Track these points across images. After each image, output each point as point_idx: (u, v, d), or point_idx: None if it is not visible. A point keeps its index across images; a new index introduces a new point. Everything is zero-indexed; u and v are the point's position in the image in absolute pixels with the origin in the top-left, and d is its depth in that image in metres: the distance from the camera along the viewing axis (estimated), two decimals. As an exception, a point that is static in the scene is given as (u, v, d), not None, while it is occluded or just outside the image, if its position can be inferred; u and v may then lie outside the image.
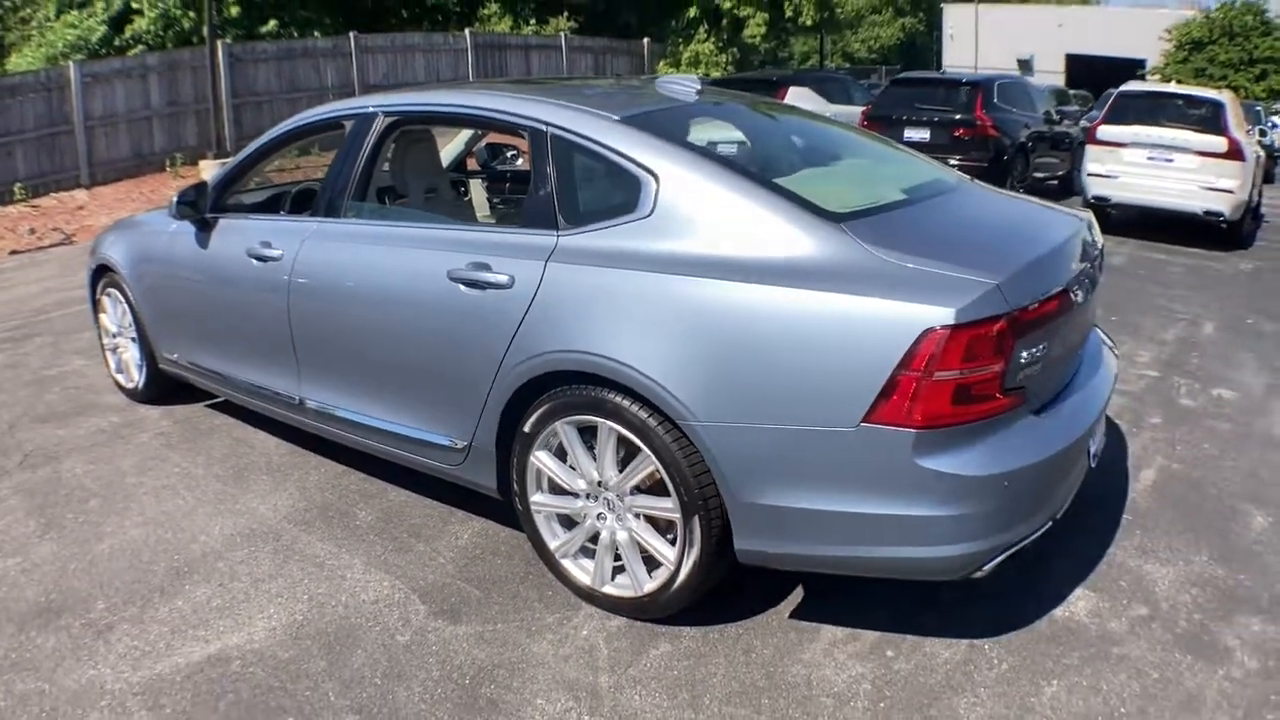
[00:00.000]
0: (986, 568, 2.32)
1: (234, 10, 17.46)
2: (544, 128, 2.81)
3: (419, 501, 3.39)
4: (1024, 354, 2.31)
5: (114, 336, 4.56)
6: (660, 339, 2.38)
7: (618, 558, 2.63)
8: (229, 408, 4.31)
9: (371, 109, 3.34)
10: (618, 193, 2.66)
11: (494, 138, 5.04)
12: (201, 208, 3.76)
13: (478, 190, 4.27)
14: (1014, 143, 10.35)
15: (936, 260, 2.30)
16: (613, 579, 2.65)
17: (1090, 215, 3.12)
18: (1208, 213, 8.48)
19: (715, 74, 21.78)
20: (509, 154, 5.58)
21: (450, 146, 4.69)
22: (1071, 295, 2.53)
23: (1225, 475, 3.62)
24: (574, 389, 2.55)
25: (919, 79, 12.55)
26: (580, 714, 2.24)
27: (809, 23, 23.32)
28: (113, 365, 4.65)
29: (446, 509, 3.32)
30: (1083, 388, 2.78)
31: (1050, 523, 2.46)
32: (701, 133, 3.11)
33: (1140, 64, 30.61)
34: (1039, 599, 2.77)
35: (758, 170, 2.78)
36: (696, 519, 2.40)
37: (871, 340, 2.19)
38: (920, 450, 2.19)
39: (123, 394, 4.60)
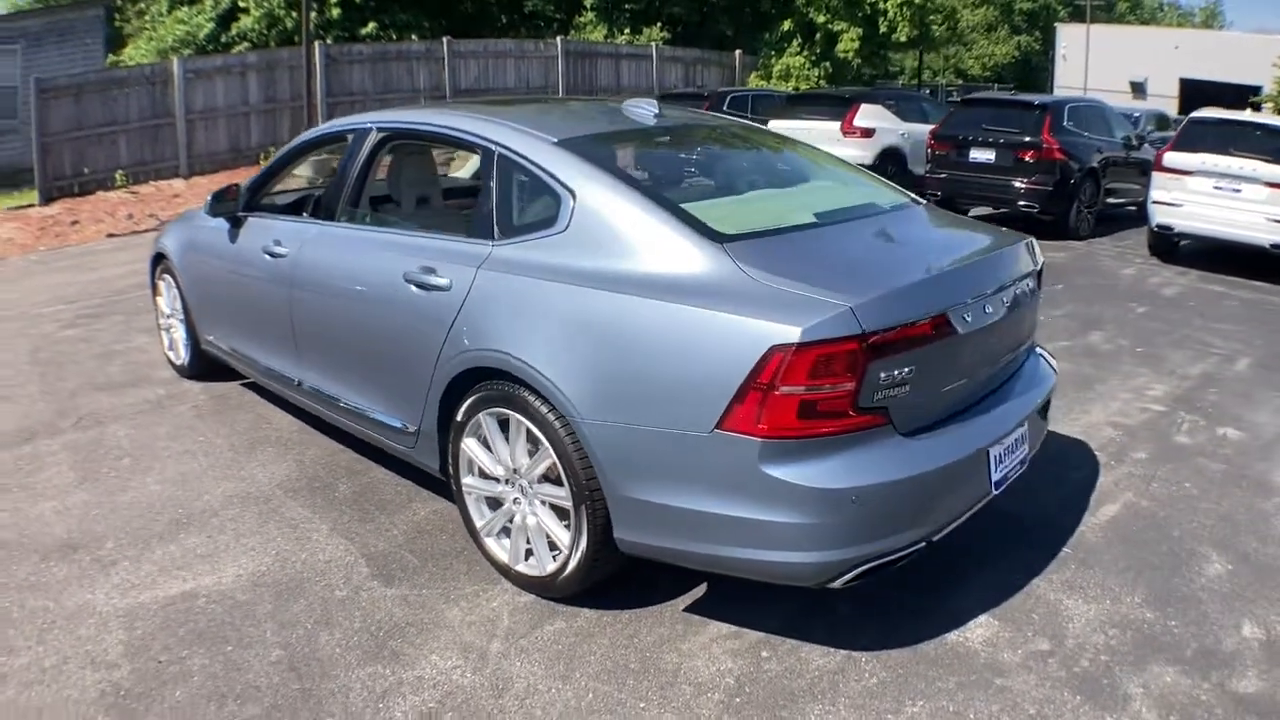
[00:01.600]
0: (843, 580, 2.50)
1: (335, 12, 18.54)
2: (492, 147, 3.20)
3: (394, 480, 3.88)
4: (882, 375, 2.46)
5: (167, 318, 5.22)
6: (556, 343, 2.73)
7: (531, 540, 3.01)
8: (257, 387, 4.90)
9: (367, 125, 3.82)
10: (544, 209, 3.01)
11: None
12: (232, 206, 4.33)
13: (447, 200, 4.70)
14: (1083, 167, 10.23)
15: (802, 282, 2.50)
16: (525, 559, 3.02)
17: (1029, 240, 3.32)
18: (1275, 246, 8.26)
19: (804, 87, 21.96)
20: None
21: (473, 161, 5.18)
22: (954, 320, 2.64)
23: (1197, 517, 3.60)
24: (494, 384, 2.92)
25: (988, 99, 12.58)
26: (464, 672, 2.64)
27: (903, 39, 23.31)
28: (165, 344, 5.32)
29: (414, 488, 3.80)
30: (989, 411, 2.89)
31: (923, 544, 2.61)
32: (645, 156, 3.49)
33: (1255, 90, 29.41)
34: (938, 620, 2.87)
35: (671, 193, 3.08)
36: (584, 508, 2.74)
37: (726, 353, 2.42)
38: (766, 459, 2.40)
39: (173, 369, 5.26)
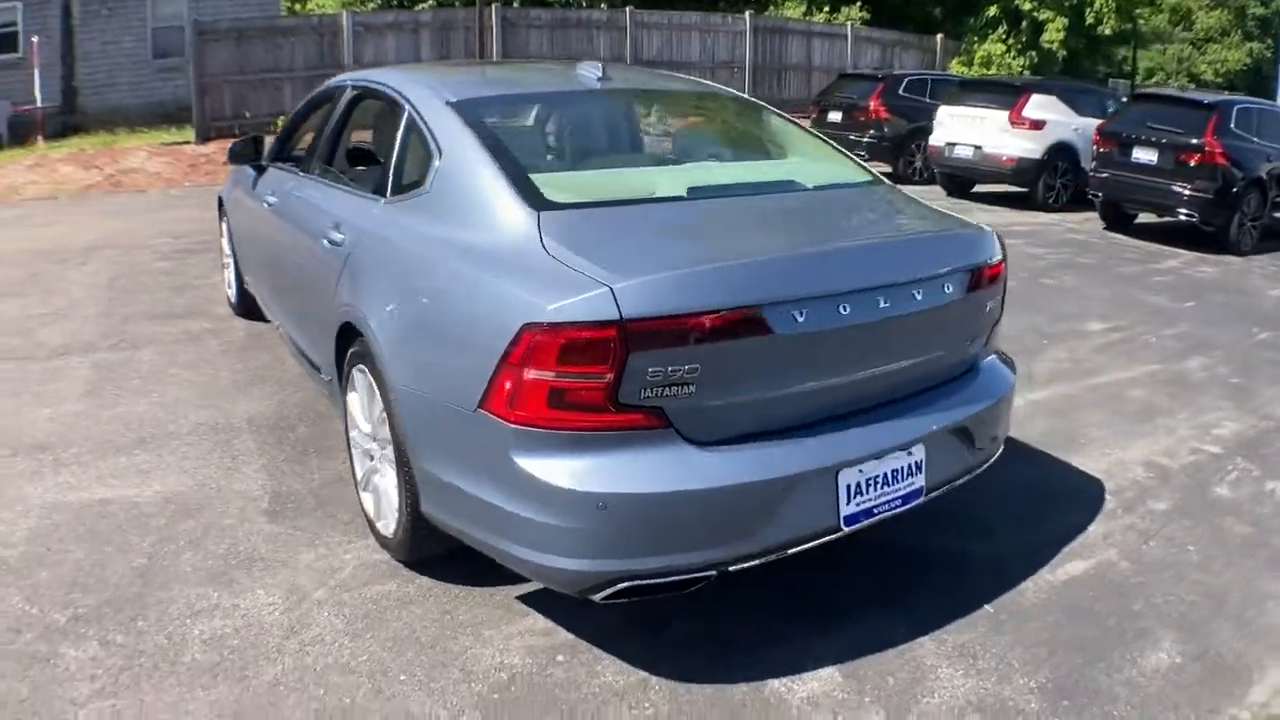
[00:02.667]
0: (602, 595, 2.35)
1: (523, -26, 19.24)
2: (403, 105, 3.28)
3: (343, 431, 4.24)
4: (651, 370, 2.22)
5: (226, 257, 5.84)
6: (388, 306, 2.81)
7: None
8: (283, 330, 5.41)
9: (345, 82, 4.08)
10: (421, 169, 3.04)
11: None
12: (248, 157, 4.69)
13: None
14: (1248, 176, 9.32)
15: (588, 257, 2.34)
16: (381, 518, 3.14)
17: (975, 233, 3.00)
18: None
19: (1000, 74, 20.92)
20: None
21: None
22: (772, 318, 2.35)
23: (1178, 590, 3.14)
24: (360, 341, 2.99)
25: (1158, 95, 11.64)
26: (274, 610, 2.87)
27: (1109, 31, 21.69)
28: (226, 281, 5.96)
29: (355, 441, 4.14)
30: (847, 429, 2.56)
31: (713, 572, 2.40)
32: (558, 121, 3.57)
33: None
34: (775, 661, 2.66)
35: (537, 159, 3.10)
36: (400, 476, 2.81)
37: (491, 327, 2.31)
38: (516, 447, 2.28)
39: (229, 306, 5.89)
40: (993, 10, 22.57)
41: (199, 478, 3.71)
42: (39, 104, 15.78)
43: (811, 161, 3.57)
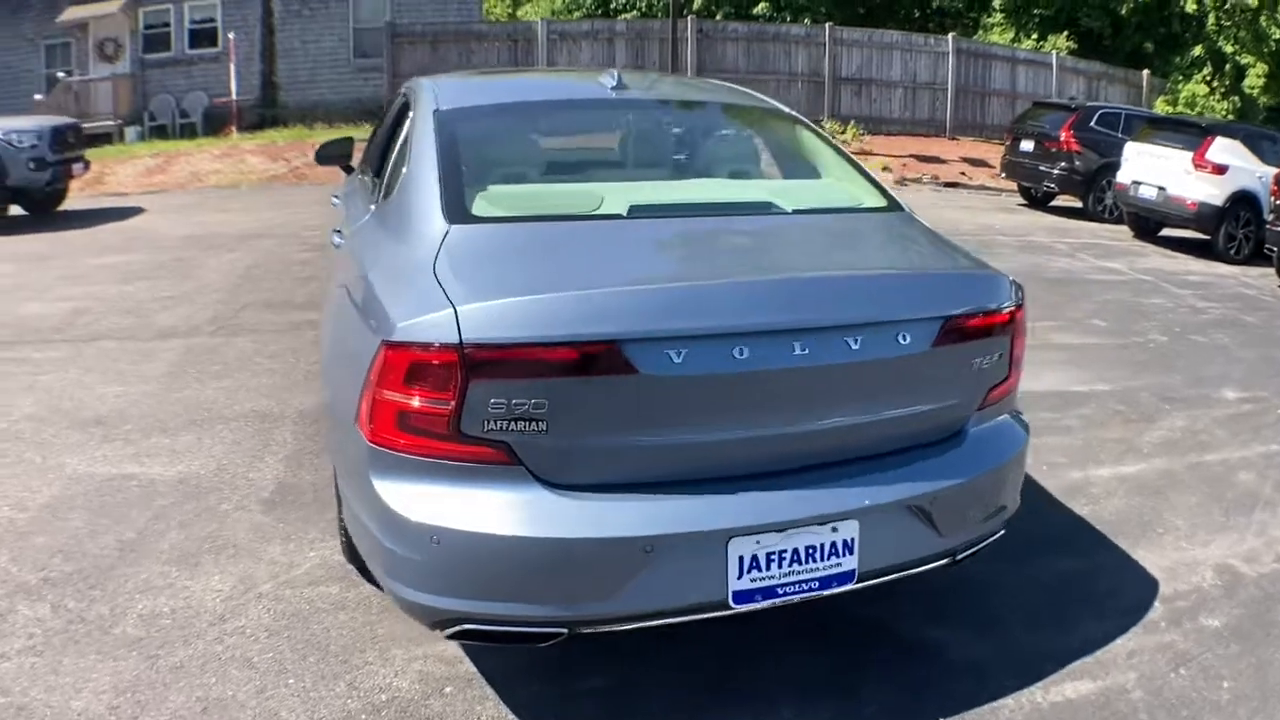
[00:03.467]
0: (447, 632, 2.25)
1: (728, -12, 19.38)
2: (409, 111, 3.31)
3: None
4: (493, 402, 2.09)
5: (336, 257, 6.24)
6: (327, 311, 2.95)
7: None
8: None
9: (404, 89, 4.05)
10: (398, 175, 3.00)
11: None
12: (336, 159, 4.73)
13: None
14: None
15: (461, 276, 2.24)
16: None
17: (975, 274, 2.67)
18: None
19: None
20: None
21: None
22: (634, 355, 2.12)
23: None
24: None
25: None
26: (219, 597, 3.01)
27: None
28: (336, 278, 6.36)
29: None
30: (747, 492, 2.27)
31: (564, 631, 2.22)
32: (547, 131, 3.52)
33: None
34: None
35: (490, 170, 3.03)
36: (335, 485, 2.84)
37: (364, 342, 2.28)
38: (372, 467, 2.21)
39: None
40: (1198, 50, 20.84)
41: (223, 463, 3.98)
42: (234, 97, 17.39)
43: (818, 183, 3.35)
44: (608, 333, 2.12)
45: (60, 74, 19.34)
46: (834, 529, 2.30)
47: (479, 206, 2.68)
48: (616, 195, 2.87)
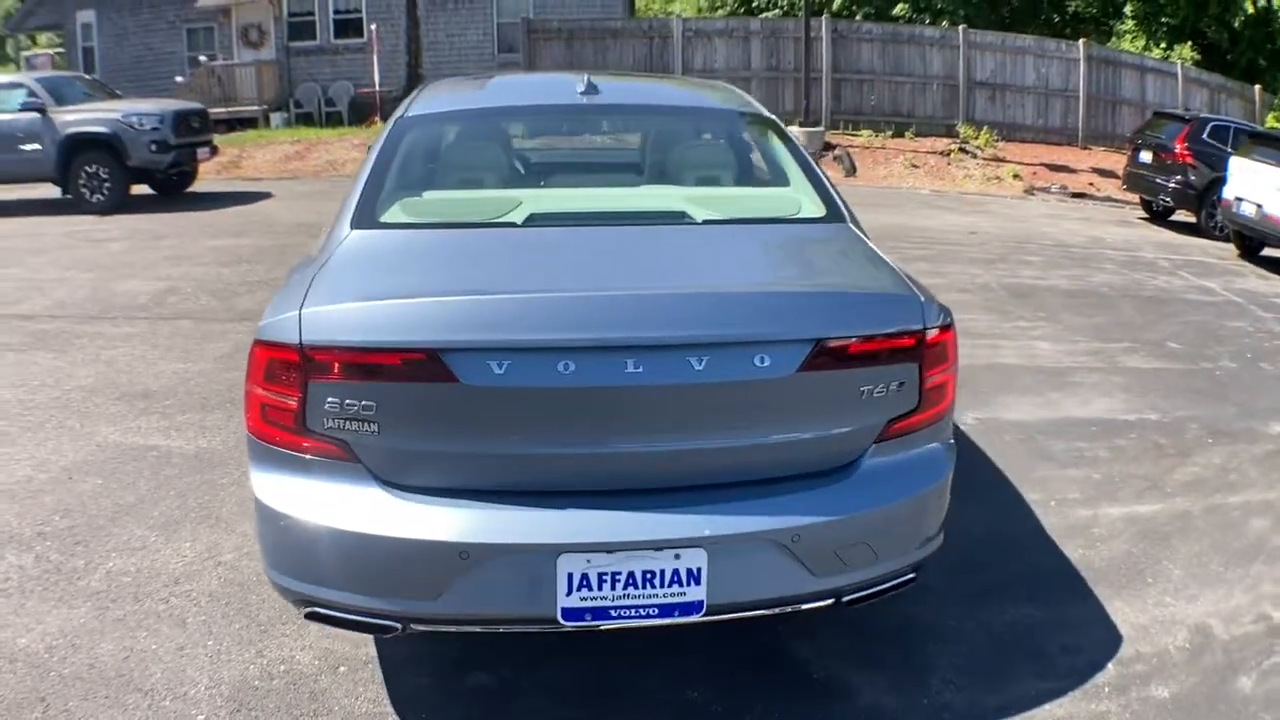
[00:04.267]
0: (304, 613, 2.37)
1: (868, -12, 19.01)
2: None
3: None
4: (329, 401, 2.20)
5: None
6: None
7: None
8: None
9: None
10: None
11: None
12: None
13: None
14: None
15: (326, 280, 2.41)
16: None
17: (893, 296, 2.50)
18: None
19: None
20: None
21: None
22: (455, 365, 2.17)
23: None
24: None
25: None
26: (181, 561, 3.31)
27: None
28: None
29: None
30: (583, 509, 2.26)
31: (399, 626, 2.30)
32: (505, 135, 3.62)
33: None
34: None
35: (430, 174, 3.20)
36: None
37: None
38: (250, 454, 2.40)
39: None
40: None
41: (239, 441, 4.32)
42: (377, 88, 18.23)
43: (759, 191, 3.32)
44: (429, 341, 2.18)
45: (202, 57, 20.65)
46: (676, 555, 2.24)
47: (391, 214, 2.85)
48: (533, 203, 2.96)
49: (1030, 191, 14.56)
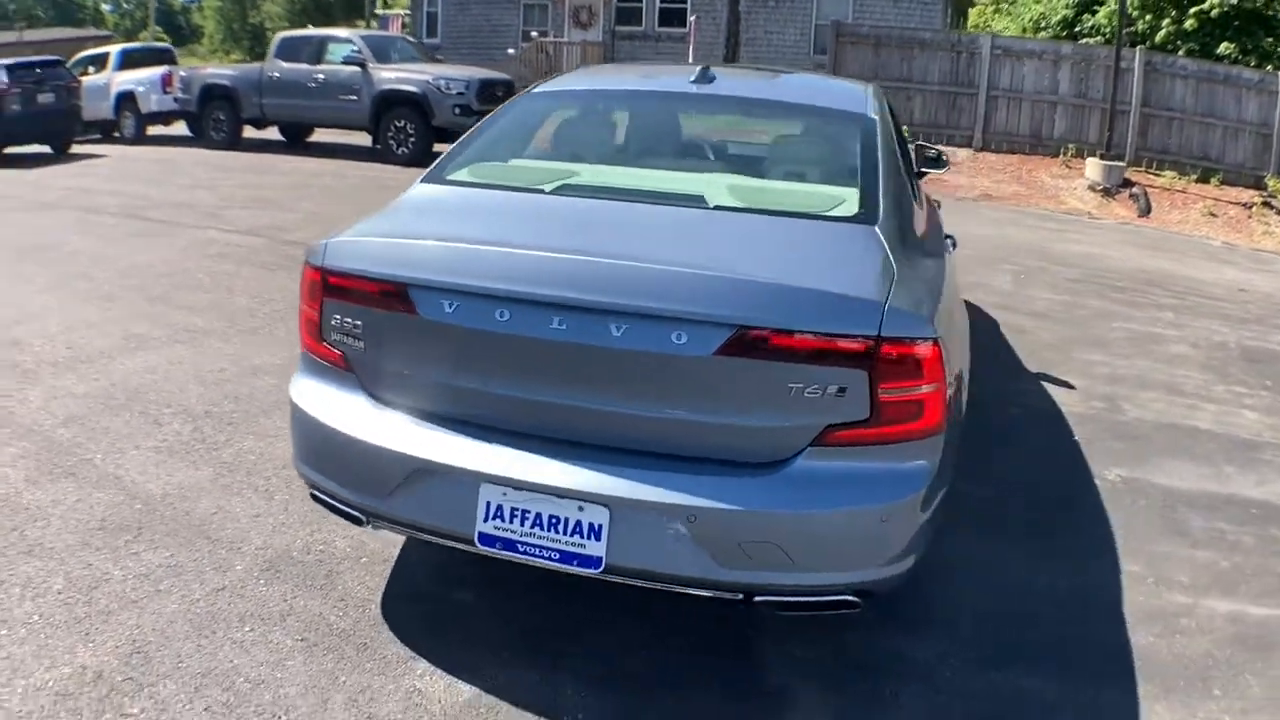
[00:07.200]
0: (310, 495, 2.83)
1: (1190, 23, 17.29)
2: None
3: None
4: (335, 318, 2.65)
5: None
6: None
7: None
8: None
9: None
10: None
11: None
12: None
13: None
14: None
15: (374, 218, 2.86)
16: None
17: (831, 295, 2.39)
18: None
19: None
20: None
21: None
22: (419, 300, 2.51)
23: None
24: None
25: None
26: (157, 488, 3.83)
27: None
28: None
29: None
30: (512, 448, 2.48)
31: (361, 517, 2.65)
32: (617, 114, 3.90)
33: None
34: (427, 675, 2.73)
35: (526, 145, 3.58)
36: None
37: None
38: (300, 361, 2.86)
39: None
40: None
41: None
42: None
43: (801, 187, 3.33)
44: (398, 276, 2.55)
45: (534, 33, 22.53)
46: (580, 508, 2.41)
47: (459, 173, 3.23)
48: (586, 177, 3.25)
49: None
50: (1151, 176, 15.23)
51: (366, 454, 2.59)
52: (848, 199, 3.03)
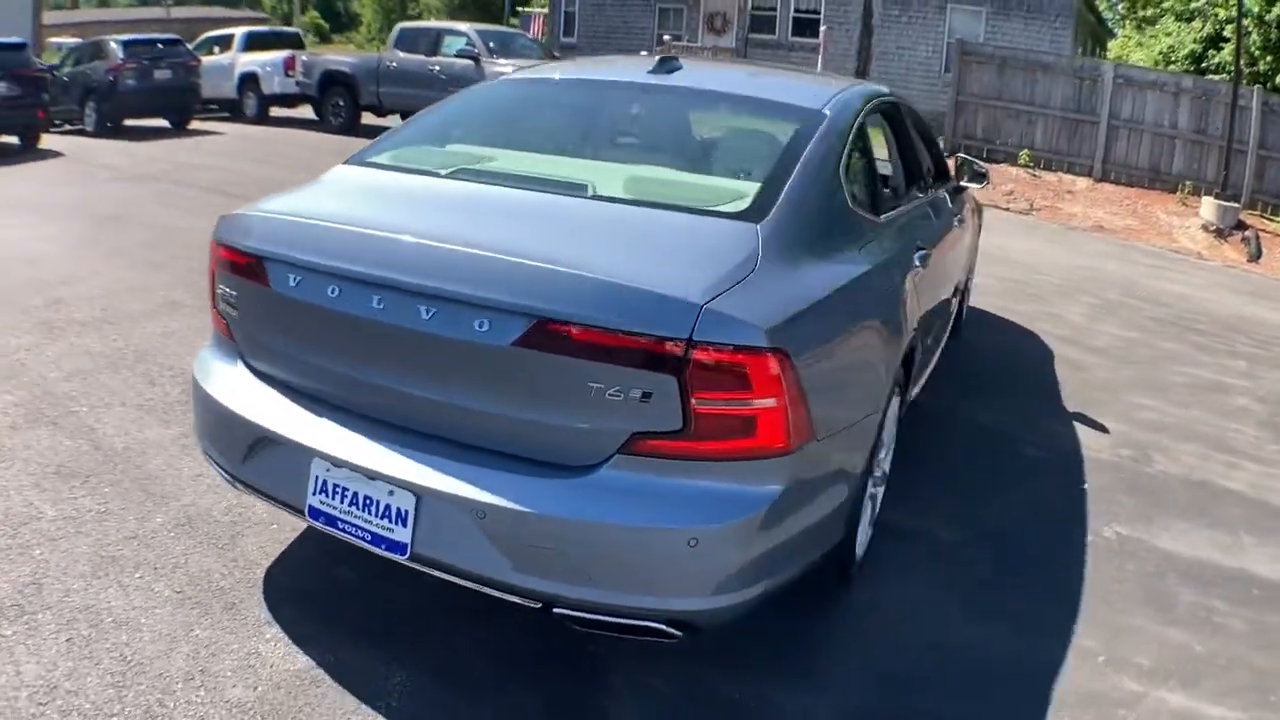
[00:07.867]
0: (202, 452, 3.04)
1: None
2: None
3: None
4: (220, 287, 2.83)
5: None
6: None
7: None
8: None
9: None
10: None
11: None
12: None
13: None
14: None
15: (270, 197, 2.96)
16: None
17: (644, 292, 2.25)
18: None
19: None
20: None
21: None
22: (271, 273, 2.64)
23: None
24: None
25: None
26: (116, 440, 4.28)
27: None
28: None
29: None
30: (348, 430, 2.56)
31: (229, 476, 2.84)
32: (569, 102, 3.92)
33: None
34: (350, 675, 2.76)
35: (474, 132, 3.68)
36: None
37: None
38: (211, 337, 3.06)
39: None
40: None
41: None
42: None
43: (703, 180, 3.22)
44: (256, 249, 2.70)
45: (667, 36, 22.62)
46: (390, 492, 2.43)
47: (381, 157, 3.29)
48: (497, 163, 3.24)
49: None
50: (1267, 221, 14.38)
51: (227, 419, 2.78)
52: (746, 194, 2.85)
